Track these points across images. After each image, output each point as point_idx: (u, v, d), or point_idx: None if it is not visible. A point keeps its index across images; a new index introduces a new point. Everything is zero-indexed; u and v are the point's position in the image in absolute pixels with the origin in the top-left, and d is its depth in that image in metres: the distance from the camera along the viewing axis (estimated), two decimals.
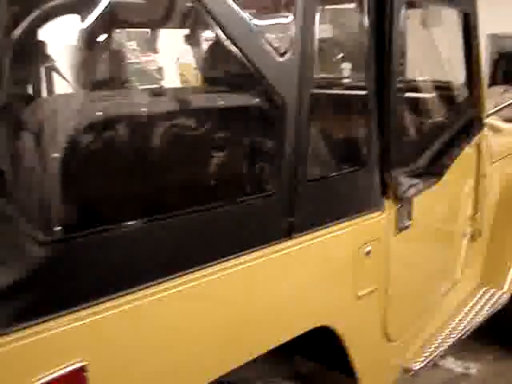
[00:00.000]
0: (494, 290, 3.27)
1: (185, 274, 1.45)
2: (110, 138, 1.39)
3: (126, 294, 1.31)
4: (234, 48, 1.49)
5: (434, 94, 2.70)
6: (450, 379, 3.53)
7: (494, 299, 3.21)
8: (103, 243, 1.28)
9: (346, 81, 2.76)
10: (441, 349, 2.73)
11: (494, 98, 4.64)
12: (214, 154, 1.59)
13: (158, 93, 1.69)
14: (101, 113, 1.37)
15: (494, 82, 9.66)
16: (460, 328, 2.91)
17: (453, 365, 3.64)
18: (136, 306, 1.33)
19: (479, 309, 3.11)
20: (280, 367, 2.35)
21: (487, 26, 9.48)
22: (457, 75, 2.88)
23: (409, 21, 2.35)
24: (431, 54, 2.88)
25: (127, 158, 1.45)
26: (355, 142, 2.12)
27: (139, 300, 1.34)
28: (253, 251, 1.63)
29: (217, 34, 1.46)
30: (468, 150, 2.89)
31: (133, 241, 1.34)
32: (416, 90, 2.60)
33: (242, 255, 1.60)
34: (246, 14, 1.50)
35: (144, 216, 1.36)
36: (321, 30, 1.78)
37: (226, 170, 1.62)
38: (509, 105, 3.32)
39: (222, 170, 1.60)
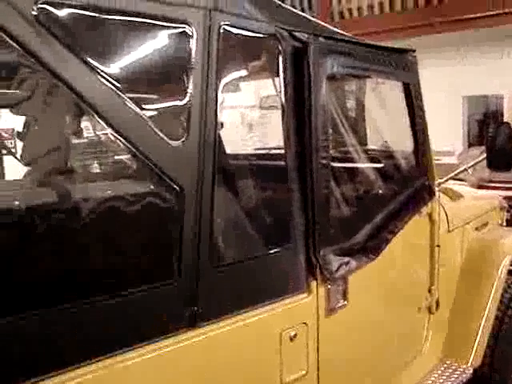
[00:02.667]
0: (457, 363, 3.12)
1: (77, 368, 1.38)
2: None
3: None
4: (117, 136, 1.43)
5: (374, 165, 2.64)
6: None
7: (457, 373, 3.06)
8: None
9: (265, 155, 2.70)
10: None
11: (468, 160, 4.60)
12: (107, 243, 1.52)
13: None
14: None
15: (479, 143, 9.73)
16: None
17: None
18: None
19: None
20: None
21: (469, 87, 9.64)
22: (403, 144, 2.83)
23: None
24: (375, 123, 2.85)
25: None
26: (275, 221, 2.03)
27: None
28: (151, 343, 1.54)
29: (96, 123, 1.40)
30: (420, 220, 2.81)
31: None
32: (352, 160, 2.53)
33: (137, 348, 1.51)
34: (129, 98, 1.45)
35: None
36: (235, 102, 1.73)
37: (119, 258, 1.53)
38: (462, 171, 3.25)
39: (114, 259, 1.52)
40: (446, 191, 3.34)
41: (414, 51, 2.69)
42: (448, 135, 8.93)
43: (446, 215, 3.16)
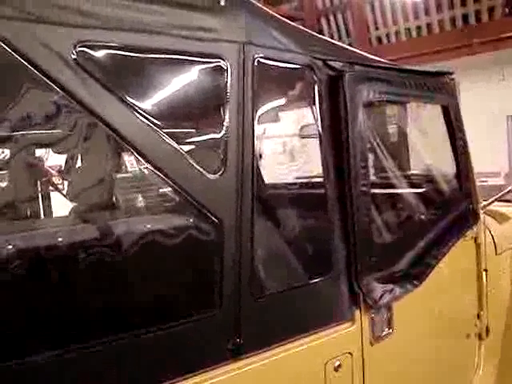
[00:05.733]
0: None
1: None
2: None
3: None
4: (156, 171, 1.46)
5: (416, 190, 2.60)
6: None
7: None
8: None
9: (304, 184, 2.70)
10: None
11: None
12: (149, 277, 1.54)
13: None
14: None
15: None
16: None
17: None
18: None
19: None
20: None
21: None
22: (445, 168, 2.79)
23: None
24: (416, 148, 2.82)
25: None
26: (316, 250, 2.02)
27: None
28: (193, 376, 1.55)
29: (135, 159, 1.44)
30: (465, 244, 2.75)
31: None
32: (394, 186, 2.51)
33: (181, 381, 1.52)
34: (167, 133, 1.48)
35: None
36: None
37: (162, 291, 1.55)
38: (506, 193, 3.17)
39: (156, 292, 1.54)
40: (492, 213, 3.26)
41: (452, 73, 2.66)
42: (494, 156, 8.75)
43: (493, 238, 3.08)
